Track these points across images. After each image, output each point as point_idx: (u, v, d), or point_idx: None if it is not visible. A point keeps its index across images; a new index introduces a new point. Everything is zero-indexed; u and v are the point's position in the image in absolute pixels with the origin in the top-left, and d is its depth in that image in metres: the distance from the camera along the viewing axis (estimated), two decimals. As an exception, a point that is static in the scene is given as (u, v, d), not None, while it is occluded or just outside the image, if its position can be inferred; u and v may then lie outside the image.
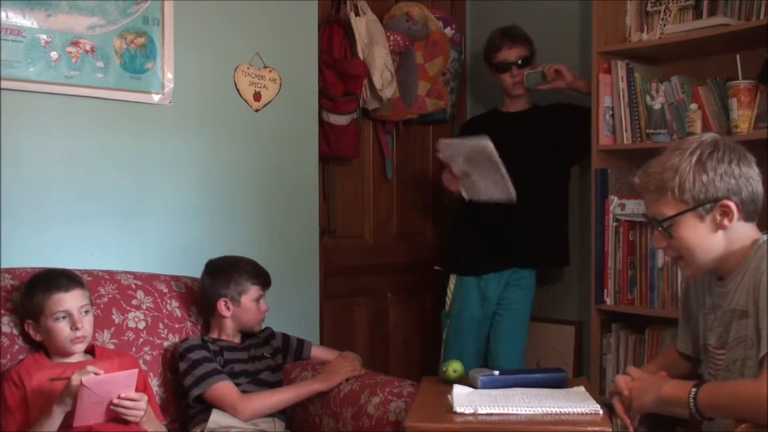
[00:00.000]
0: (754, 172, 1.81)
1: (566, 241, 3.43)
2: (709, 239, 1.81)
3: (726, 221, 1.79)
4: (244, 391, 2.37)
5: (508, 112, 3.43)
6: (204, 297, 2.51)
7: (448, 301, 3.39)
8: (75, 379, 1.94)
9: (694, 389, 1.73)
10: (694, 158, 1.78)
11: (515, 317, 3.33)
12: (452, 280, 3.38)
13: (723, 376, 1.84)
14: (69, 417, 1.99)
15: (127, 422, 2.06)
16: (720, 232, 1.80)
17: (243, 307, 2.47)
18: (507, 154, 3.13)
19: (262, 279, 2.51)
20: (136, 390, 2.06)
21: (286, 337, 2.63)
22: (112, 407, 2.00)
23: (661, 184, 1.81)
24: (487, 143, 3.06)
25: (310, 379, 2.45)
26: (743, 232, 1.82)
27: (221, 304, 2.47)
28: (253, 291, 2.48)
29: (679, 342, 2.07)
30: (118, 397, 2.00)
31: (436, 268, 3.58)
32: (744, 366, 1.78)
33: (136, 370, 2.05)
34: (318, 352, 2.65)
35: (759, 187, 1.82)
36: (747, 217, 1.82)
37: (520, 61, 3.33)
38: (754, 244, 1.81)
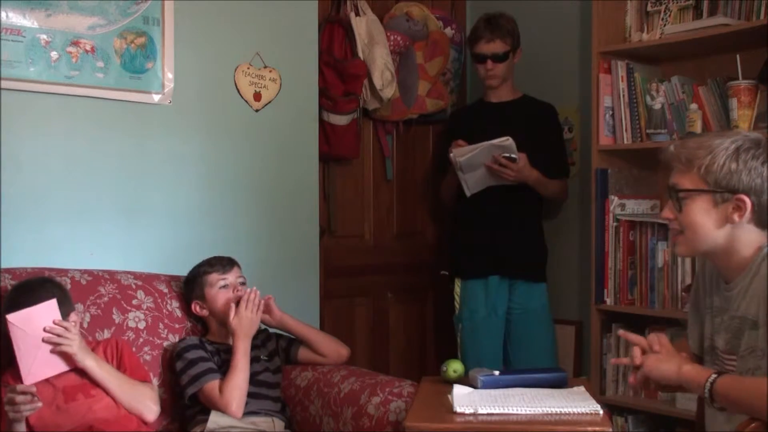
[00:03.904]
0: None
1: (544, 251, 3.40)
2: (714, 227, 1.80)
3: (737, 216, 1.78)
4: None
5: (491, 102, 3.38)
6: (187, 308, 2.54)
7: (456, 305, 3.36)
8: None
9: (714, 375, 1.73)
10: (733, 146, 1.78)
11: (532, 317, 3.29)
12: (458, 284, 3.36)
13: None
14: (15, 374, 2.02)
15: (125, 414, 2.10)
16: (727, 226, 1.80)
17: (210, 300, 2.47)
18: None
19: (218, 265, 2.49)
20: (119, 358, 2.18)
21: (278, 338, 2.62)
22: (45, 341, 2.04)
23: (692, 158, 1.80)
24: (510, 142, 3.08)
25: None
26: (750, 235, 1.81)
27: (195, 307, 2.50)
28: (212, 280, 2.47)
29: (690, 342, 2.06)
30: (45, 330, 2.05)
31: (442, 273, 3.57)
32: (754, 376, 1.77)
33: (53, 300, 2.09)
34: (305, 354, 2.60)
35: None
36: (759, 221, 1.80)
37: (495, 57, 3.25)
38: (760, 250, 1.80)
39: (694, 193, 1.80)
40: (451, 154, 3.19)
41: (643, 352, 1.89)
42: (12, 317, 2.00)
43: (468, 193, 3.24)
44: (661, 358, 1.85)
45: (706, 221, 1.81)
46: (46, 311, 2.07)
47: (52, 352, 2.07)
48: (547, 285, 3.36)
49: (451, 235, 3.54)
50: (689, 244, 1.86)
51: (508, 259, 3.27)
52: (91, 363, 2.12)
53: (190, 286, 2.52)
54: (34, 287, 2.16)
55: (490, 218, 3.28)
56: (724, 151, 1.77)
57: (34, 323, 2.04)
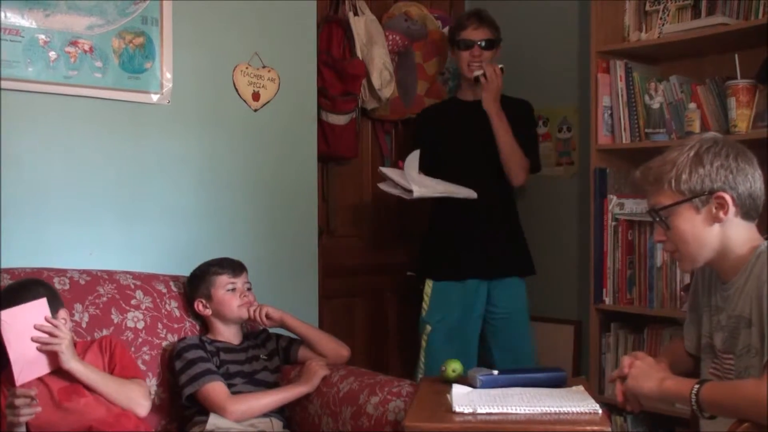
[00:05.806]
0: (753, 170, 1.81)
1: (526, 248, 3.34)
2: (704, 232, 1.82)
3: (722, 214, 1.79)
4: (239, 392, 2.37)
5: (466, 101, 3.33)
6: (188, 305, 2.55)
7: (425, 306, 3.25)
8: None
9: (696, 386, 1.75)
10: (692, 152, 1.81)
11: (514, 318, 3.26)
12: (429, 284, 3.26)
13: None
14: (10, 376, 2.01)
15: (130, 416, 2.09)
16: (716, 226, 1.81)
17: (217, 301, 2.48)
18: (462, 145, 3.14)
19: (228, 268, 2.51)
20: (111, 355, 2.19)
21: (278, 338, 2.63)
22: (34, 340, 2.04)
23: (659, 177, 1.84)
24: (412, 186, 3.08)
25: (295, 383, 2.46)
26: (742, 232, 1.82)
27: (198, 306, 2.50)
28: (222, 281, 2.48)
29: (686, 341, 2.07)
30: (35, 327, 2.05)
31: (408, 273, 3.52)
32: (748, 375, 1.78)
33: (44, 299, 2.09)
34: (305, 354, 2.60)
35: (758, 185, 1.82)
36: (745, 214, 1.82)
37: (483, 43, 3.22)
38: (755, 250, 1.82)
39: (675, 206, 1.82)
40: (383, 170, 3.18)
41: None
42: (5, 314, 2.00)
43: (413, 192, 3.11)
44: (641, 375, 1.87)
45: (695, 229, 1.82)
46: (37, 309, 2.07)
47: (40, 350, 2.06)
48: (526, 282, 3.29)
49: (426, 237, 3.40)
50: (689, 256, 1.87)
51: (488, 260, 3.21)
52: (76, 365, 2.11)
53: (196, 284, 2.51)
54: (22, 287, 2.15)
55: (466, 218, 3.20)
56: (686, 160, 1.80)
57: (25, 321, 2.04)
